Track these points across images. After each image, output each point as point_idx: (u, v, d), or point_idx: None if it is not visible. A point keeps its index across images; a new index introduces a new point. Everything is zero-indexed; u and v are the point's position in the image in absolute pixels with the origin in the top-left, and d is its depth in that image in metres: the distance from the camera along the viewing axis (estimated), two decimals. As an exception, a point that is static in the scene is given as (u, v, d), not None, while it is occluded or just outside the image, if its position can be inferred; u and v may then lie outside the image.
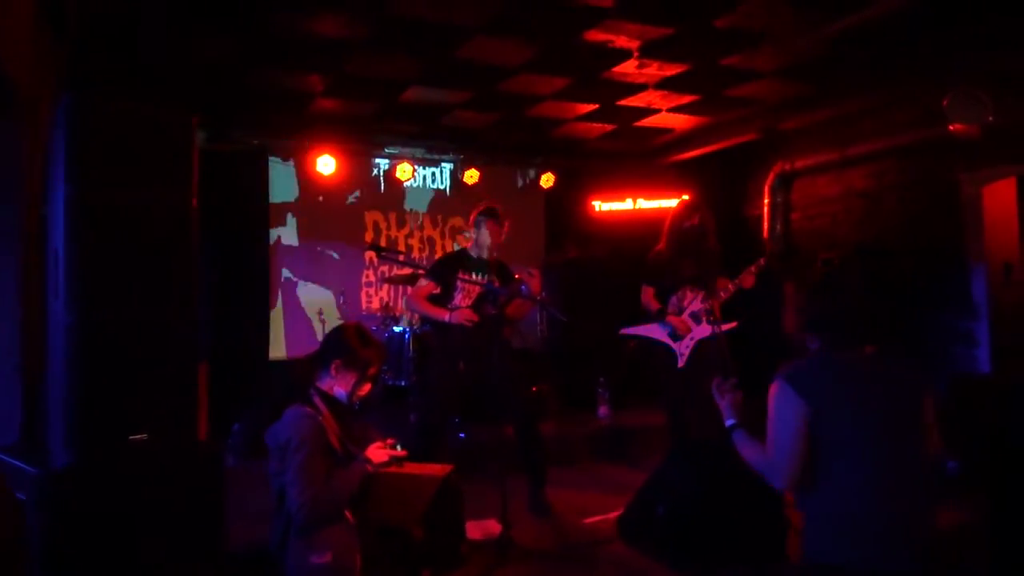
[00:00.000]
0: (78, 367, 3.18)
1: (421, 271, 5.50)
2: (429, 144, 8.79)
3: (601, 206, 9.21)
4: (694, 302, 5.55)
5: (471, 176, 8.89)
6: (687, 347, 5.52)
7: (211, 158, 6.87)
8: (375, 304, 8.60)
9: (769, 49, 5.98)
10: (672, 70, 6.49)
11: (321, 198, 8.52)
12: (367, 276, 8.72)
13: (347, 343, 3.45)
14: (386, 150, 8.72)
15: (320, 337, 3.85)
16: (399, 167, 8.57)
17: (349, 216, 8.72)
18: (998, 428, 4.74)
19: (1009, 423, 4.71)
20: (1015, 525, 4.12)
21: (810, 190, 8.36)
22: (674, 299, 5.62)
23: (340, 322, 6.57)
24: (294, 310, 8.35)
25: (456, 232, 9.18)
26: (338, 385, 3.44)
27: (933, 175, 7.03)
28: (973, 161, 6.63)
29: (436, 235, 9.15)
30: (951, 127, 6.15)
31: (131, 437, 3.27)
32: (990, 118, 5.98)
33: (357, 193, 8.78)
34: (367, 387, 3.52)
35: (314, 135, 8.06)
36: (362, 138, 8.43)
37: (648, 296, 5.70)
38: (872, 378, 2.61)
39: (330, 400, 3.42)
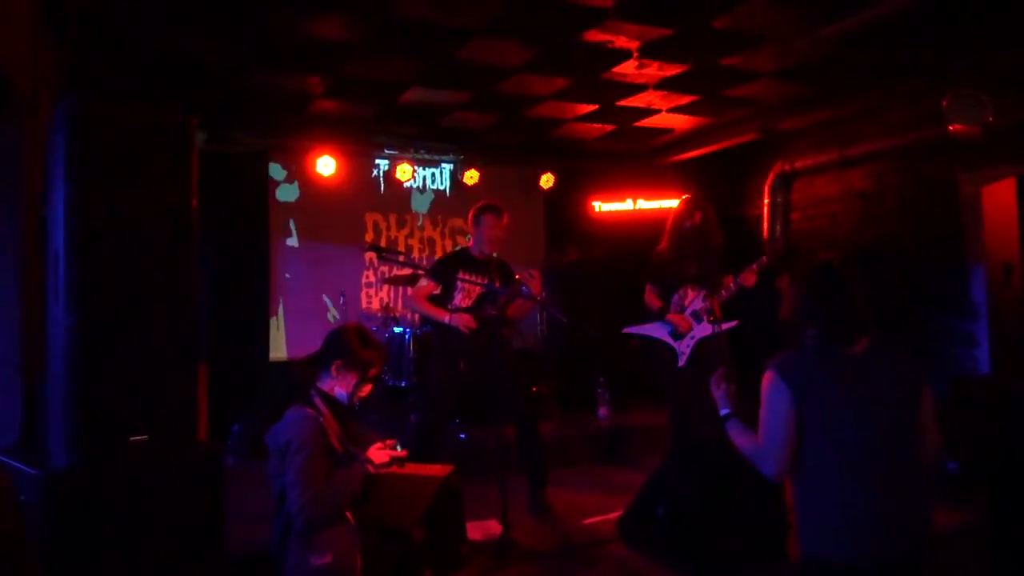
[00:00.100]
0: (78, 368, 3.18)
1: (421, 271, 5.50)
2: (429, 145, 8.79)
3: (601, 206, 9.21)
4: (695, 301, 5.55)
5: (471, 177, 8.89)
6: (688, 346, 5.52)
7: (211, 159, 6.87)
8: (375, 305, 8.61)
9: (769, 50, 5.99)
10: (672, 70, 6.49)
11: (321, 199, 8.52)
12: (367, 277, 8.73)
13: (348, 344, 3.45)
14: (386, 151, 8.72)
15: (320, 338, 3.88)
16: (399, 168, 8.57)
17: (349, 217, 8.72)
18: (997, 429, 4.75)
19: (1008, 424, 4.72)
20: (1014, 525, 4.12)
21: (810, 190, 8.36)
22: (676, 298, 5.63)
23: (340, 323, 6.58)
24: (294, 311, 8.35)
25: (456, 233, 9.18)
26: (339, 386, 3.44)
27: (933, 175, 7.03)
28: (973, 161, 6.63)
29: (436, 236, 9.16)
30: (950, 127, 6.14)
31: (131, 438, 3.27)
32: (989, 118, 5.98)
33: (356, 193, 8.78)
34: (368, 388, 3.53)
35: (314, 136, 8.06)
36: (362, 139, 8.43)
37: (650, 295, 5.72)
38: (865, 370, 2.61)
39: (331, 401, 3.42)
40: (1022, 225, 6.50)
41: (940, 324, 6.88)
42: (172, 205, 3.44)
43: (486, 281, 5.23)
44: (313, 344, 3.69)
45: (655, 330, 5.66)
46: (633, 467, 6.46)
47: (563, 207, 9.57)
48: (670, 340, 5.58)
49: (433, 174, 9.20)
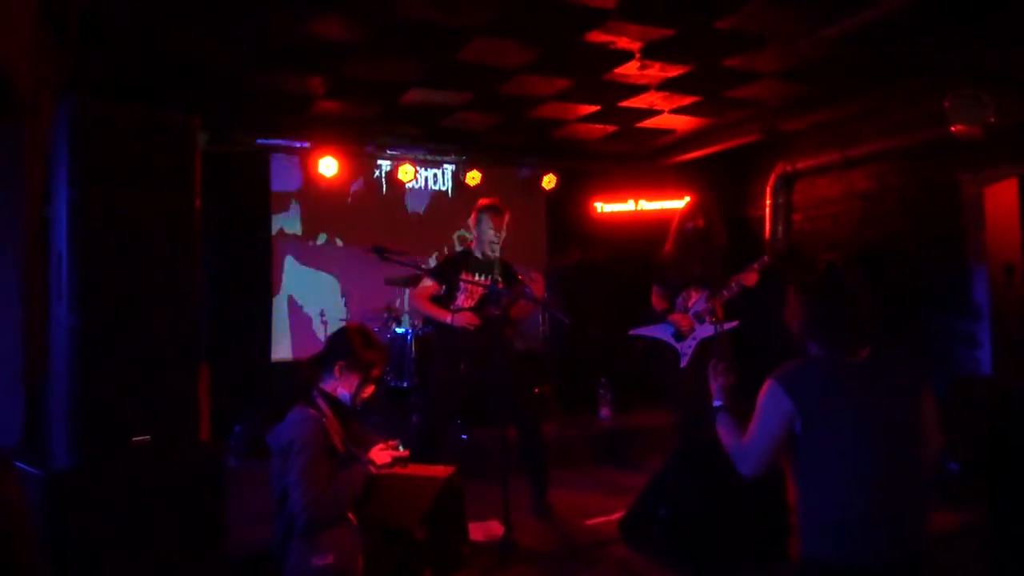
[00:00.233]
0: (81, 369, 3.19)
1: (423, 272, 5.50)
2: (431, 146, 8.79)
3: (603, 207, 9.21)
4: (698, 302, 5.55)
5: (473, 178, 8.88)
6: (690, 347, 5.52)
7: (213, 160, 6.88)
8: (377, 305, 8.60)
9: (770, 50, 5.99)
10: (674, 71, 6.49)
11: (323, 200, 8.52)
12: (369, 277, 8.71)
13: (350, 345, 3.46)
14: (388, 152, 8.72)
15: (322, 339, 3.86)
16: (401, 168, 8.58)
17: (351, 218, 8.72)
18: (999, 429, 4.74)
19: (1010, 424, 4.71)
20: (1015, 526, 4.11)
21: (811, 191, 8.37)
22: (680, 299, 5.63)
23: (343, 324, 6.59)
24: (296, 311, 8.35)
25: (458, 234, 9.17)
26: (341, 387, 3.45)
27: (934, 176, 7.03)
28: (974, 162, 6.63)
29: (438, 237, 9.15)
30: (952, 128, 6.15)
31: (133, 438, 3.27)
32: (991, 119, 5.98)
33: (359, 194, 8.78)
34: (370, 389, 3.53)
35: (316, 137, 8.06)
36: (364, 140, 8.43)
37: (655, 296, 5.74)
38: (867, 379, 2.62)
39: (333, 402, 3.43)
40: (1024, 226, 6.50)
41: (942, 325, 6.87)
42: (174, 206, 3.45)
43: (489, 282, 5.23)
44: (315, 345, 3.70)
45: (658, 331, 5.67)
46: (635, 468, 6.46)
47: (565, 208, 9.57)
48: (673, 341, 5.59)
49: (435, 175, 9.20)
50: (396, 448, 3.47)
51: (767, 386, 2.67)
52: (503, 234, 5.33)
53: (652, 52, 6.01)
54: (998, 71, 6.12)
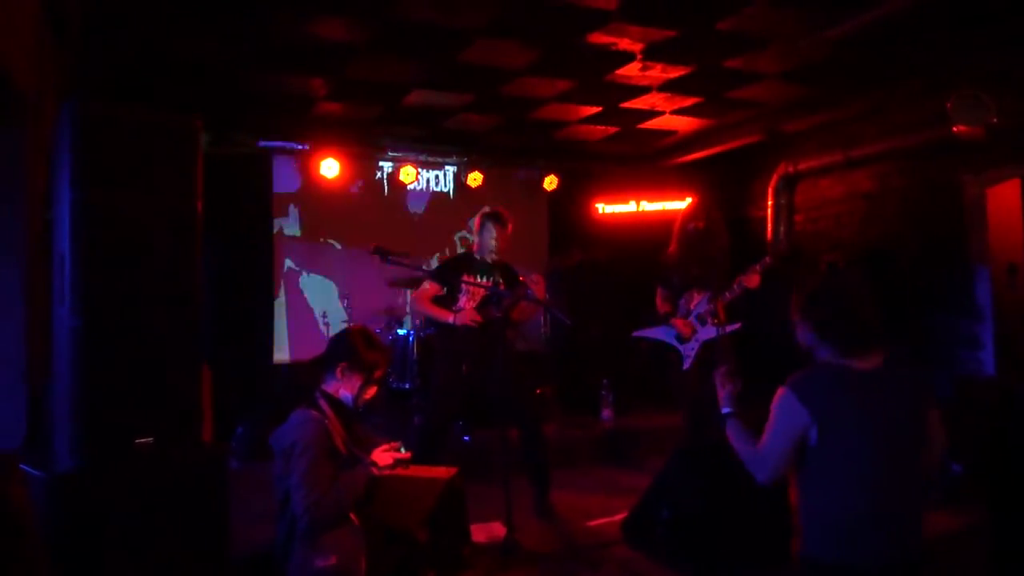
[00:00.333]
0: (83, 370, 3.19)
1: (425, 274, 5.50)
2: (432, 147, 8.80)
3: (604, 208, 9.21)
4: (700, 303, 5.55)
5: (474, 179, 8.89)
6: (692, 349, 5.52)
7: (215, 161, 6.87)
8: (379, 307, 8.60)
9: (772, 51, 5.99)
10: (675, 72, 6.49)
11: (325, 201, 8.53)
12: (371, 279, 8.71)
13: (352, 346, 3.46)
14: (390, 153, 8.73)
15: (324, 341, 3.90)
16: (403, 170, 8.58)
17: (353, 219, 8.73)
18: (1001, 430, 4.74)
19: (1012, 425, 4.71)
20: (1017, 527, 4.11)
21: (814, 192, 8.36)
22: (683, 300, 5.64)
23: (344, 325, 6.59)
24: (298, 313, 8.36)
25: (460, 235, 9.18)
26: (343, 388, 3.45)
27: (937, 177, 7.02)
28: (977, 163, 6.63)
29: (440, 238, 9.15)
30: (955, 129, 6.15)
31: (136, 440, 3.28)
32: (994, 120, 5.98)
33: (360, 195, 8.78)
34: (373, 390, 3.54)
35: (318, 138, 8.07)
36: (366, 141, 8.44)
37: (658, 298, 5.75)
38: (877, 387, 2.62)
39: (335, 403, 3.43)
40: (1027, 226, 6.49)
41: (944, 326, 6.87)
42: (176, 207, 3.46)
43: (490, 284, 5.23)
44: (317, 347, 3.71)
45: (661, 333, 5.67)
46: (637, 469, 6.46)
47: (566, 209, 9.57)
48: (676, 343, 5.59)
49: (437, 176, 9.20)
50: (398, 450, 3.47)
51: (781, 394, 2.67)
52: (504, 245, 5.33)
53: (654, 53, 6.01)
54: (1000, 72, 6.12)
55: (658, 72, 6.47)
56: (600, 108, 7.57)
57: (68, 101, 3.29)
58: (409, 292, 8.24)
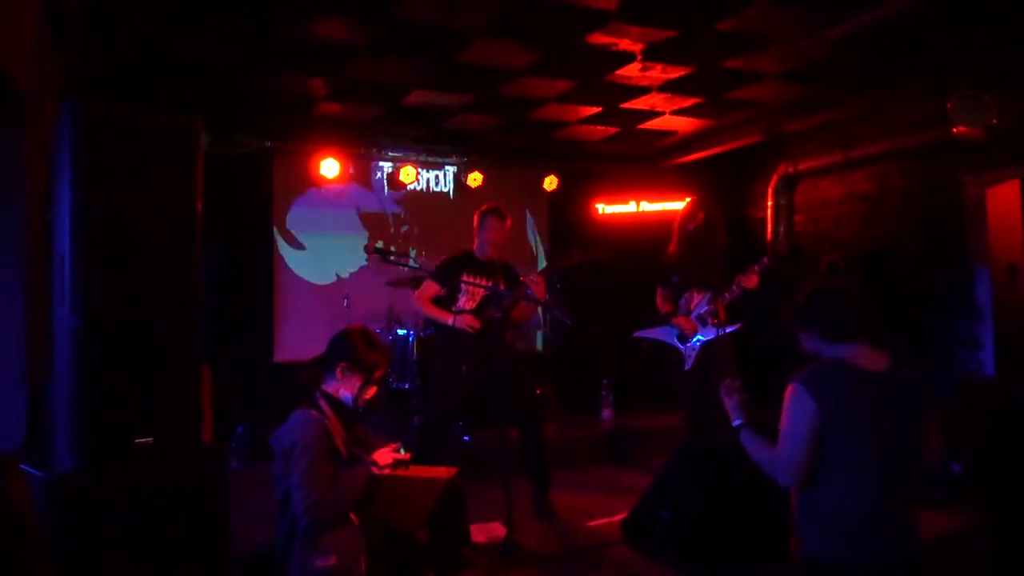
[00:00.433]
0: (84, 371, 3.20)
1: (425, 274, 5.51)
2: (432, 147, 8.80)
3: (604, 209, 9.21)
4: (700, 304, 5.57)
5: (474, 179, 8.89)
6: (694, 349, 5.54)
7: (215, 161, 6.88)
8: (379, 307, 8.60)
9: (772, 52, 5.99)
10: (675, 73, 6.49)
11: (325, 201, 8.53)
12: (371, 279, 8.72)
13: (352, 346, 3.46)
14: (390, 153, 8.73)
15: (324, 340, 3.90)
16: (403, 170, 8.58)
17: (353, 219, 8.73)
18: (1001, 430, 4.74)
19: (1012, 425, 4.71)
20: (1017, 526, 4.11)
21: (813, 192, 8.36)
22: (683, 301, 5.65)
23: (345, 325, 6.58)
24: (298, 313, 8.35)
25: (460, 235, 9.17)
26: (344, 388, 3.45)
27: (936, 177, 7.02)
28: (977, 163, 6.62)
29: (440, 238, 9.14)
30: (955, 129, 6.15)
31: (136, 440, 3.28)
32: (993, 120, 5.98)
33: (360, 196, 8.78)
34: (373, 390, 3.54)
35: (318, 138, 8.07)
36: (366, 141, 8.44)
37: (659, 298, 5.77)
38: (883, 389, 2.63)
39: (335, 403, 3.43)
40: (1027, 227, 6.49)
41: (944, 326, 6.87)
42: (177, 207, 3.46)
43: (490, 284, 5.23)
44: (317, 347, 3.70)
45: (662, 334, 5.70)
46: (637, 469, 6.46)
47: (566, 209, 9.57)
48: (677, 343, 5.61)
49: (437, 176, 9.20)
50: (398, 451, 3.47)
51: (791, 390, 2.67)
52: (504, 240, 5.34)
53: (654, 54, 6.01)
54: (1000, 72, 6.12)
55: (658, 72, 6.47)
56: (600, 108, 7.57)
57: (68, 101, 3.29)
58: (409, 292, 8.25)
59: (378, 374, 3.53)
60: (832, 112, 7.39)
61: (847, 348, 2.69)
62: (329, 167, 8.11)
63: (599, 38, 5.67)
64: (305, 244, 8.47)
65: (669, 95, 7.14)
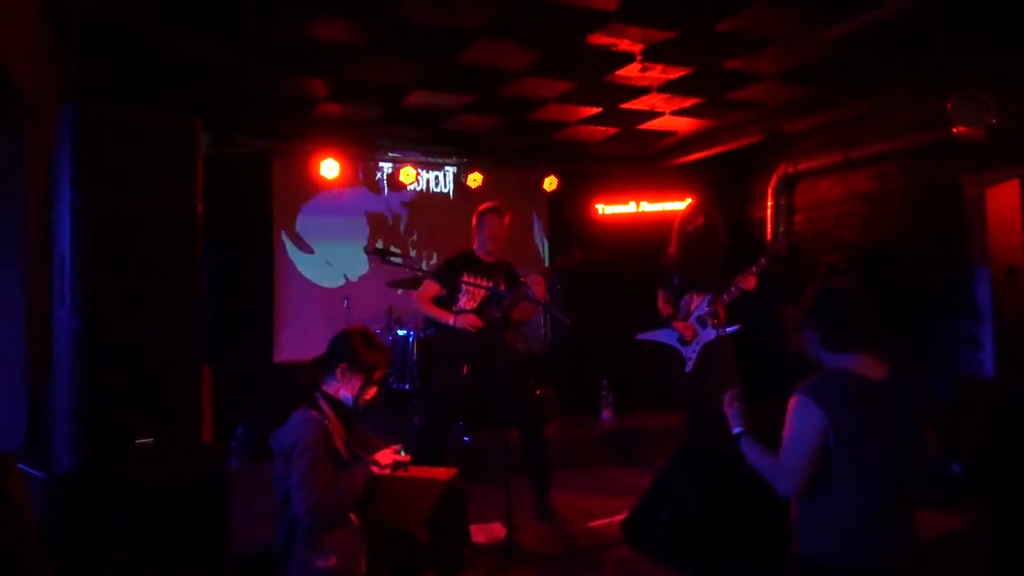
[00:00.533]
0: (84, 371, 3.20)
1: (425, 274, 5.51)
2: (432, 148, 8.80)
3: (604, 209, 9.20)
4: (700, 306, 5.58)
5: (474, 179, 8.89)
6: (694, 351, 5.56)
7: (215, 162, 6.88)
8: (379, 307, 8.60)
9: (772, 52, 5.99)
10: (675, 73, 6.49)
11: (325, 202, 8.53)
12: (371, 279, 8.73)
13: (352, 347, 3.46)
14: (390, 154, 8.73)
15: (324, 341, 3.89)
16: (403, 171, 8.58)
17: (353, 220, 8.73)
18: (1001, 431, 4.74)
19: (1012, 425, 4.71)
20: (1017, 527, 4.11)
21: (813, 193, 8.36)
22: (683, 303, 5.67)
23: (345, 326, 6.58)
24: (298, 313, 8.35)
25: (460, 236, 9.16)
26: (344, 389, 3.45)
27: (936, 177, 7.02)
28: (977, 163, 6.63)
29: (440, 239, 9.15)
30: (955, 130, 6.15)
31: (136, 441, 3.28)
32: (993, 120, 5.98)
33: (360, 196, 8.79)
34: (373, 391, 3.53)
35: (318, 139, 8.07)
36: (366, 142, 8.44)
37: (660, 300, 5.79)
38: (887, 397, 2.64)
39: (335, 404, 3.43)
40: (1027, 228, 6.49)
41: (944, 326, 6.87)
42: (177, 208, 3.46)
43: (491, 284, 5.23)
44: (317, 347, 3.70)
45: (663, 336, 5.73)
46: (637, 470, 6.47)
47: (566, 210, 9.57)
48: (678, 345, 5.63)
49: (437, 177, 9.20)
50: (398, 452, 3.47)
51: (796, 401, 2.67)
52: (504, 236, 5.35)
53: (653, 54, 6.01)
54: (1000, 72, 6.12)
55: (658, 73, 6.47)
56: (600, 109, 7.57)
57: (69, 101, 3.29)
58: (409, 293, 8.25)
59: (378, 375, 3.53)
60: (832, 112, 7.39)
61: (850, 358, 2.69)
62: (329, 168, 8.11)
63: (599, 38, 5.67)
64: (304, 244, 8.46)
65: (669, 95, 7.14)
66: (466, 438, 6.67)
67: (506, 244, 5.44)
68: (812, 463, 2.62)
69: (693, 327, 5.57)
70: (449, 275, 5.31)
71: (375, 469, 3.34)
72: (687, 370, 5.57)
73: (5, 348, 3.85)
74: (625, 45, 5.81)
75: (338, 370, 3.43)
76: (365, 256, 8.51)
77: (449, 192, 9.24)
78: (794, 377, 2.75)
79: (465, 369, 5.15)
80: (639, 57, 6.06)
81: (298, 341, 8.22)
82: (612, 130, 8.35)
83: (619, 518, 4.98)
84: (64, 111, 3.29)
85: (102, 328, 3.23)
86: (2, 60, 3.20)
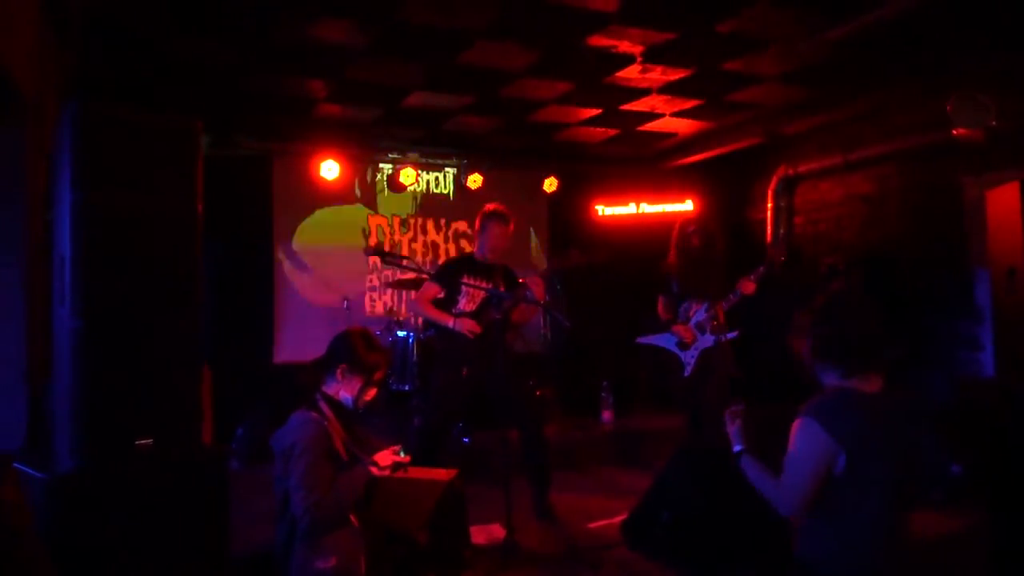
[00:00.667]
0: (84, 371, 3.20)
1: (425, 275, 5.51)
2: (432, 149, 8.81)
3: (604, 210, 9.21)
4: (699, 312, 5.63)
5: (474, 181, 8.89)
6: (692, 356, 5.62)
7: (215, 163, 6.88)
8: (379, 309, 8.61)
9: (772, 53, 5.99)
10: (675, 75, 6.50)
11: (325, 202, 8.53)
12: (371, 280, 8.73)
13: (352, 348, 3.46)
14: (390, 155, 8.73)
15: (324, 342, 3.88)
16: (403, 172, 8.58)
17: (353, 221, 8.73)
18: (1001, 431, 4.74)
19: (1012, 426, 4.71)
20: (1018, 528, 4.11)
21: (813, 194, 8.37)
22: (682, 308, 5.72)
23: (345, 327, 6.58)
24: (298, 314, 8.35)
25: (460, 236, 9.18)
26: (344, 390, 3.45)
27: (936, 179, 7.03)
28: (976, 165, 6.63)
29: (439, 239, 9.16)
30: (954, 131, 6.15)
31: (136, 441, 3.27)
32: (993, 122, 5.99)
33: (360, 197, 8.79)
34: (373, 392, 3.53)
35: (318, 140, 8.07)
36: (366, 143, 8.44)
37: (660, 306, 5.84)
38: (888, 412, 2.64)
39: (336, 405, 3.43)
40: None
41: (944, 327, 6.87)
42: (177, 208, 3.46)
43: (490, 285, 5.23)
44: (317, 348, 3.70)
45: (663, 340, 5.78)
46: (637, 471, 6.47)
47: (566, 211, 9.58)
48: (677, 350, 5.67)
49: (437, 178, 9.20)
50: (398, 453, 3.47)
51: (801, 424, 2.63)
52: (506, 244, 5.34)
53: (653, 56, 6.01)
54: (1000, 74, 6.13)
55: (658, 74, 6.47)
56: (600, 110, 7.57)
57: (69, 101, 3.30)
58: (409, 294, 8.25)
59: (378, 376, 3.52)
60: (832, 114, 7.39)
61: (853, 379, 2.68)
62: (329, 168, 8.12)
63: (599, 40, 5.68)
64: (304, 245, 8.44)
65: (669, 97, 7.14)
66: (466, 439, 6.67)
67: (507, 250, 5.44)
68: (816, 487, 2.59)
69: (692, 332, 5.62)
70: (448, 277, 5.31)
71: (374, 470, 3.34)
72: (685, 375, 5.61)
73: (5, 348, 3.85)
74: (625, 46, 5.82)
75: (338, 371, 3.43)
76: (365, 257, 8.49)
77: (449, 193, 9.24)
78: (796, 381, 2.74)
79: (465, 370, 5.15)
80: (639, 58, 6.06)
81: (298, 342, 8.22)
82: (612, 131, 8.36)
83: (619, 519, 4.97)
84: (64, 111, 3.29)
85: (102, 328, 3.23)
86: (2, 60, 3.20)
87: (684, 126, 8.20)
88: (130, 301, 3.30)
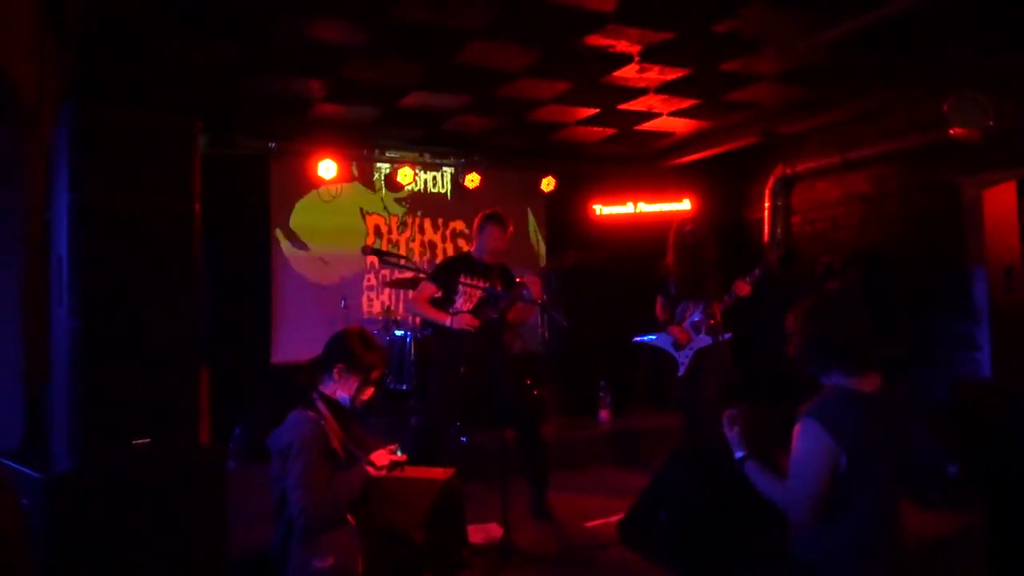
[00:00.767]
0: (81, 371, 3.19)
1: (422, 275, 5.51)
2: (430, 148, 8.81)
3: (602, 210, 9.21)
4: (695, 313, 5.66)
5: (472, 180, 8.89)
6: (687, 356, 5.65)
7: (213, 162, 6.89)
8: (376, 308, 8.62)
9: (769, 53, 6.00)
10: (673, 74, 6.50)
11: (323, 202, 8.53)
12: (368, 280, 8.74)
13: (350, 347, 3.46)
14: (387, 154, 8.73)
15: (322, 342, 3.88)
16: (400, 171, 8.58)
17: (351, 220, 8.73)
18: (998, 431, 4.75)
19: (1009, 426, 4.72)
20: (1015, 528, 4.12)
21: (811, 194, 8.37)
22: (679, 309, 5.75)
23: (342, 327, 6.59)
24: (296, 314, 8.35)
25: (457, 236, 9.19)
26: (341, 389, 3.44)
27: (934, 179, 7.03)
28: (974, 165, 6.64)
29: (437, 239, 9.16)
30: (952, 131, 6.16)
31: (134, 441, 3.27)
32: (991, 122, 5.99)
33: (358, 196, 8.79)
34: (370, 391, 3.53)
35: (316, 139, 8.07)
36: (363, 142, 8.45)
37: (658, 307, 5.88)
38: (886, 411, 2.65)
39: (333, 404, 3.43)
40: (1023, 228, 6.51)
41: (942, 327, 6.88)
42: (175, 208, 3.45)
43: (487, 285, 5.22)
44: (315, 348, 3.70)
45: (659, 341, 5.81)
46: (634, 470, 6.46)
47: (564, 210, 9.58)
48: (672, 351, 5.70)
49: (434, 177, 9.21)
50: (395, 452, 3.47)
51: (804, 426, 2.62)
52: (503, 247, 5.34)
53: (651, 55, 6.02)
54: (997, 74, 6.14)
55: (656, 74, 6.48)
56: (598, 110, 7.58)
57: (67, 102, 3.29)
58: (406, 293, 8.26)
59: (375, 375, 3.52)
60: (830, 113, 7.40)
61: (852, 379, 2.69)
62: (327, 168, 8.12)
63: (597, 40, 5.68)
64: (302, 245, 8.45)
65: (666, 96, 7.15)
66: (463, 438, 6.67)
67: (505, 254, 5.44)
68: (824, 488, 2.58)
69: (688, 332, 5.65)
70: (446, 276, 5.31)
71: (371, 470, 3.34)
72: (679, 374, 5.65)
73: (3, 348, 3.85)
74: (623, 46, 5.82)
75: (335, 371, 3.43)
76: (363, 256, 8.49)
77: (447, 192, 9.25)
78: (795, 382, 2.74)
79: (462, 369, 5.15)
80: (637, 58, 6.07)
81: (295, 342, 8.22)
82: (610, 131, 8.36)
83: (616, 518, 4.98)
84: (62, 111, 3.29)
85: (99, 328, 3.22)
86: (1, 61, 3.20)
87: (682, 125, 8.21)
88: (128, 301, 3.30)
